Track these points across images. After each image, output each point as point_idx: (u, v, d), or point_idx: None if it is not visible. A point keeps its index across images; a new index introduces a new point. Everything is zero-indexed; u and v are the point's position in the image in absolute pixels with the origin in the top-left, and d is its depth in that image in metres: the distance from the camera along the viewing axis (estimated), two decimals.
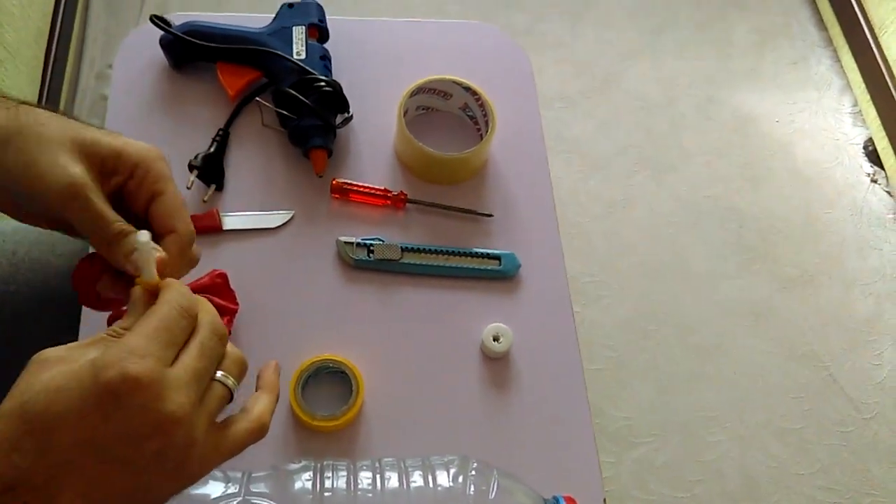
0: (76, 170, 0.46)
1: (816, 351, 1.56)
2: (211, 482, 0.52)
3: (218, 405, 0.42)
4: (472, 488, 0.53)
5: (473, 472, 0.54)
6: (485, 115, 0.76)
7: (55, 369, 0.38)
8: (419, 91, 0.76)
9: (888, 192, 1.79)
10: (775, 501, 1.40)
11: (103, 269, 0.49)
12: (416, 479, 0.54)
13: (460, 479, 0.54)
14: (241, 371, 0.45)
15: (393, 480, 0.54)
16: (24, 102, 0.49)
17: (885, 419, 1.50)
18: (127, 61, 0.79)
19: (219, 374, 0.42)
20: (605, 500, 0.63)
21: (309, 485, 0.53)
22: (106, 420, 0.36)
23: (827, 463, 1.45)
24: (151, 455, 0.37)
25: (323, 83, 0.73)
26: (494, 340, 0.67)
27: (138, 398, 0.36)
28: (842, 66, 1.96)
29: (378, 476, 0.54)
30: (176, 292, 0.42)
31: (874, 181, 1.80)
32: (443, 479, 0.54)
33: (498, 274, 0.72)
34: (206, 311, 0.43)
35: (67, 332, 0.64)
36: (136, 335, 0.38)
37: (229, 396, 0.43)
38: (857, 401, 1.52)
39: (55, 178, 0.45)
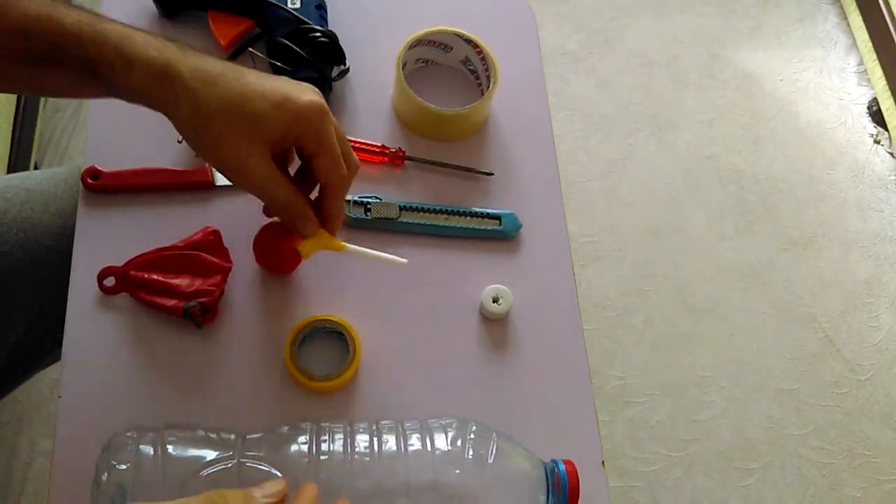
0: (260, 170, 0.53)
1: (814, 313, 1.56)
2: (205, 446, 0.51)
3: None
4: (471, 452, 0.52)
5: (472, 436, 0.53)
6: (486, 70, 0.73)
7: None
8: (418, 43, 0.74)
9: (891, 154, 1.77)
10: (769, 461, 1.41)
11: (283, 234, 0.60)
12: (414, 442, 0.53)
13: (459, 442, 0.53)
14: None
15: (391, 443, 0.53)
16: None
17: (881, 381, 1.51)
18: (114, 9, 0.76)
19: None
20: (603, 462, 0.63)
21: (305, 448, 0.52)
22: None
23: (821, 424, 1.46)
24: None
25: (318, 34, 0.70)
26: (494, 302, 0.66)
27: None
28: (848, 24, 1.92)
29: (375, 439, 0.53)
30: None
31: (877, 142, 1.78)
32: (441, 442, 0.53)
33: (498, 234, 0.70)
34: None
35: (59, 292, 0.63)
36: None
37: None
38: (852, 362, 1.52)
39: (240, 175, 0.54)
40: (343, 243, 0.60)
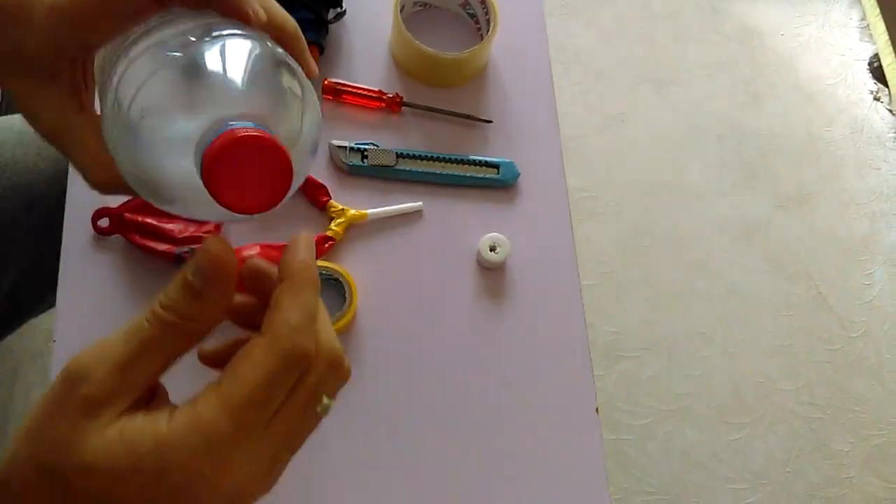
0: (49, 115, 0.37)
1: (808, 270, 1.57)
2: None
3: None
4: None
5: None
6: (486, 14, 0.72)
7: (107, 435, 0.30)
8: None
9: (890, 111, 1.76)
10: (759, 415, 1.43)
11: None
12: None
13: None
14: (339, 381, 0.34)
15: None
16: None
17: (871, 338, 1.52)
18: None
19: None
20: (597, 409, 0.63)
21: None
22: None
23: (812, 379, 1.47)
24: None
25: None
26: (491, 250, 0.66)
27: (199, 490, 0.30)
28: None
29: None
30: (282, 334, 0.31)
31: (877, 99, 1.76)
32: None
33: (496, 182, 0.69)
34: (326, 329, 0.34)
35: (54, 238, 0.62)
36: (217, 414, 0.29)
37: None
38: (844, 319, 1.53)
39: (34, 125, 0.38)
40: (364, 212, 0.64)
